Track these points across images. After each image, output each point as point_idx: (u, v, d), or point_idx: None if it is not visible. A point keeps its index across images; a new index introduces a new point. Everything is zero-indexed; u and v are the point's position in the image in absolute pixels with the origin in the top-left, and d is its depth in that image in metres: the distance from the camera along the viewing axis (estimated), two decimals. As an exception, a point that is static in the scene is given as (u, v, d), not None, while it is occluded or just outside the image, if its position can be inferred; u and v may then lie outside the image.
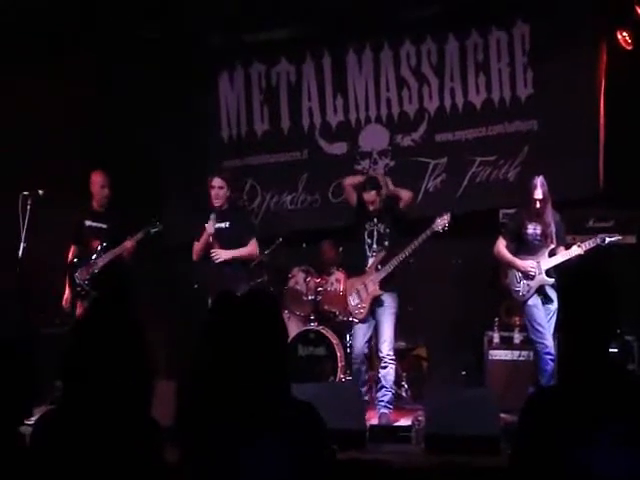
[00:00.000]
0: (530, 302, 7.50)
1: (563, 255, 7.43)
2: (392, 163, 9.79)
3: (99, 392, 2.68)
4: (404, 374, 8.89)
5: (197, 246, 8.04)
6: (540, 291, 7.48)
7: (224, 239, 7.92)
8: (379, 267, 7.66)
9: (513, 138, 9.31)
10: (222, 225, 7.95)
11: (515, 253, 7.63)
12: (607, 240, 7.38)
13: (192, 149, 10.32)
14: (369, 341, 7.91)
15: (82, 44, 9.35)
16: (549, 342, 7.36)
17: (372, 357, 8.48)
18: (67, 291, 8.20)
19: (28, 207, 7.88)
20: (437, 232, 7.56)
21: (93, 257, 8.12)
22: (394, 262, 7.60)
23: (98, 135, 9.68)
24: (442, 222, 7.55)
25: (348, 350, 8.70)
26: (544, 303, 7.48)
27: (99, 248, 8.10)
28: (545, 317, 7.44)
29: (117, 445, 2.64)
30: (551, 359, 7.32)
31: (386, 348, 7.57)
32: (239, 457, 2.75)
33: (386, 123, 9.82)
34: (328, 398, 6.09)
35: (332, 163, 9.93)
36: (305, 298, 9.11)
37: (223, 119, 10.40)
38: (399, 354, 8.95)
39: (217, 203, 7.95)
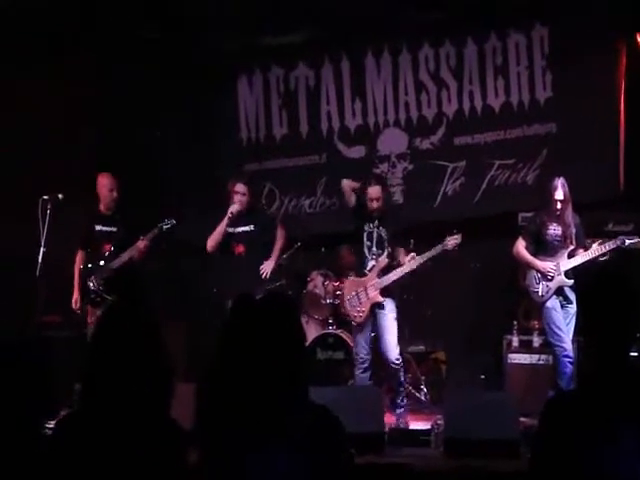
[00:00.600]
0: (549, 304, 7.46)
1: (582, 256, 7.41)
2: (411, 167, 9.80)
3: (118, 395, 2.69)
4: (423, 378, 8.87)
5: (214, 238, 8.02)
6: (559, 292, 7.45)
7: (250, 241, 7.94)
8: (381, 274, 7.57)
9: (532, 141, 9.29)
10: (246, 229, 7.96)
11: (534, 254, 7.60)
12: (627, 242, 7.34)
13: (208, 152, 10.34)
14: (371, 346, 7.76)
15: (83, 44, 9.33)
16: (568, 345, 7.32)
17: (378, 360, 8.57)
18: (76, 294, 8.15)
19: (48, 211, 7.90)
20: (447, 250, 7.49)
21: (102, 262, 8.10)
22: (397, 273, 7.52)
23: (100, 136, 9.69)
24: (453, 241, 7.44)
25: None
26: (563, 305, 7.45)
27: (109, 252, 8.09)
28: (564, 320, 7.40)
29: (137, 448, 2.65)
30: (570, 362, 7.28)
31: (393, 355, 7.48)
32: (252, 461, 2.75)
33: (405, 127, 9.82)
34: (347, 402, 6.09)
35: (350, 167, 9.92)
36: (323, 302, 9.11)
37: (242, 123, 10.44)
38: (418, 357, 8.96)
39: (237, 208, 7.93)
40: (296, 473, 2.74)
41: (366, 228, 7.62)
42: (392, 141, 9.86)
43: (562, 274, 7.42)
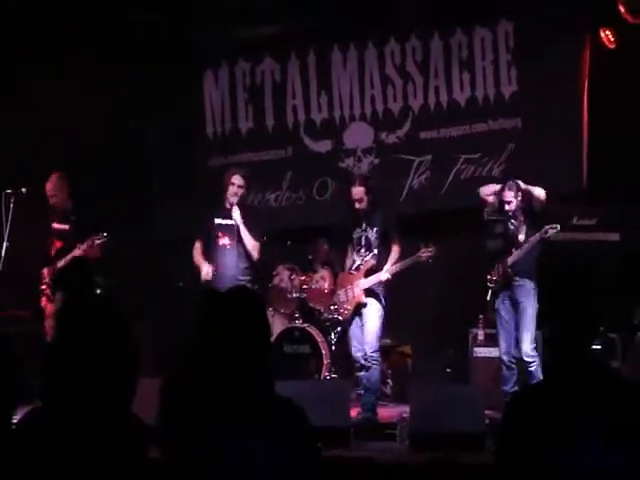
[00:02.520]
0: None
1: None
2: (377, 161, 9.81)
3: (79, 388, 2.67)
4: (389, 371, 8.91)
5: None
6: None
7: (237, 235, 7.80)
8: (368, 275, 7.60)
9: (497, 135, 9.34)
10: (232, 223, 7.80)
11: None
12: (550, 232, 7.36)
13: (178, 146, 10.32)
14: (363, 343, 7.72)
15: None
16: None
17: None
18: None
19: (11, 205, 7.85)
20: (420, 262, 7.56)
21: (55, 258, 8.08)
22: (376, 278, 7.55)
23: (66, 129, 9.61)
24: (427, 254, 7.52)
25: (333, 348, 8.72)
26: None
27: (59, 250, 8.05)
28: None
29: (98, 442, 2.63)
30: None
31: (369, 349, 7.52)
32: (222, 452, 2.75)
33: (371, 121, 9.83)
34: (312, 396, 6.09)
35: (316, 161, 9.94)
36: (290, 296, 9.11)
37: (208, 117, 10.40)
38: (384, 351, 8.96)
39: (234, 200, 7.75)
40: (270, 461, 2.74)
41: (355, 233, 7.66)
42: (358, 135, 9.87)
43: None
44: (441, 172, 9.51)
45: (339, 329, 8.92)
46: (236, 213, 7.70)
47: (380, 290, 7.66)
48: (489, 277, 7.55)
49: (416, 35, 9.60)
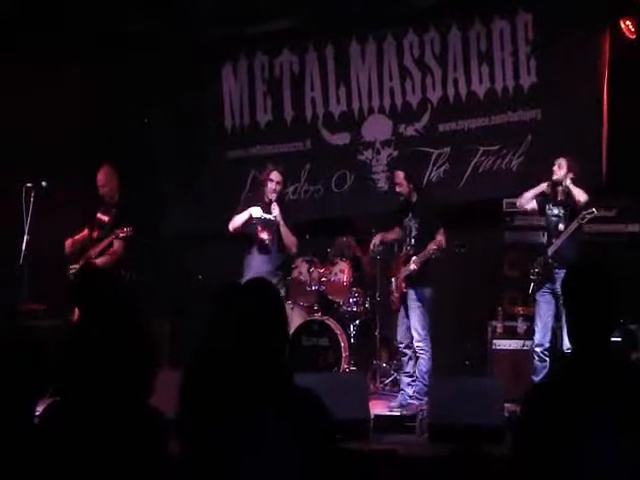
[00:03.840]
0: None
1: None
2: (395, 153, 9.79)
3: (100, 382, 2.69)
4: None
5: (237, 220, 7.97)
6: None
7: (275, 230, 7.96)
8: (406, 265, 7.77)
9: (516, 127, 9.29)
10: (271, 217, 7.91)
11: None
12: (586, 217, 7.39)
13: (194, 140, 10.34)
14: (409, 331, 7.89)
15: (74, 30, 9.30)
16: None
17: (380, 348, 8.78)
18: None
19: (31, 199, 7.90)
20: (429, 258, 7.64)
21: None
22: (406, 269, 7.73)
23: (86, 124, 9.65)
24: (433, 247, 7.56)
25: (352, 340, 8.74)
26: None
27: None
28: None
29: (117, 434, 2.65)
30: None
31: (414, 339, 7.74)
32: (242, 444, 2.76)
33: (389, 113, 9.81)
34: (331, 388, 6.08)
35: (335, 153, 9.92)
36: (309, 288, 9.10)
37: (227, 110, 10.40)
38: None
39: (274, 197, 7.95)
40: (291, 451, 2.75)
41: (404, 222, 7.94)
42: (376, 127, 9.85)
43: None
44: (460, 164, 9.48)
45: (358, 321, 8.94)
46: (276, 210, 7.88)
47: (419, 280, 7.76)
48: (530, 270, 7.58)
49: (434, 27, 9.56)
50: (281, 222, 7.90)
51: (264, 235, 7.91)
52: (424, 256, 7.59)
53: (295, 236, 8.10)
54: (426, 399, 7.53)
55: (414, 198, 7.89)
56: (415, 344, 7.75)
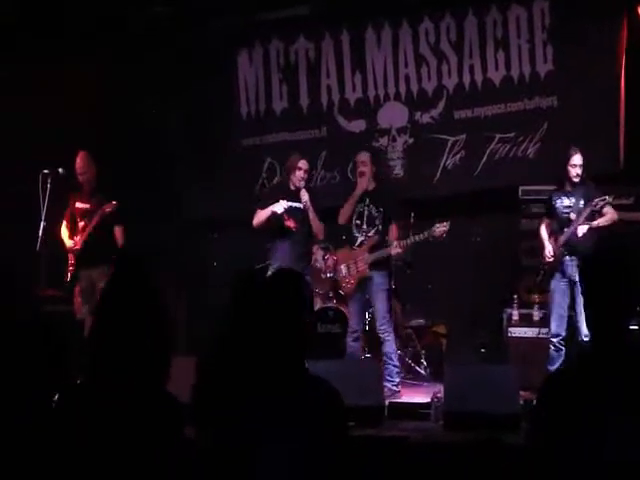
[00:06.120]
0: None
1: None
2: (411, 140, 9.77)
3: (116, 367, 2.70)
4: (423, 351, 8.91)
5: (262, 215, 7.98)
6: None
7: (302, 219, 7.97)
8: (371, 250, 7.74)
9: (532, 115, 9.25)
10: (299, 205, 7.94)
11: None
12: (599, 204, 7.36)
13: (213, 127, 10.34)
14: (364, 318, 8.05)
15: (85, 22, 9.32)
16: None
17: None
18: None
19: (48, 185, 7.93)
20: (434, 237, 7.58)
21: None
22: (386, 252, 7.70)
23: (101, 112, 9.67)
24: (442, 229, 7.54)
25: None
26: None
27: None
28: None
29: (134, 420, 2.66)
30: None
31: (379, 323, 7.72)
32: (256, 430, 2.77)
33: (405, 100, 9.78)
34: (345, 375, 6.10)
35: (351, 140, 9.89)
36: (324, 276, 9.09)
37: (242, 97, 10.39)
38: (418, 331, 8.97)
39: (302, 185, 7.98)
40: (304, 438, 2.76)
41: (356, 208, 7.83)
42: (392, 115, 9.83)
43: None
44: (476, 152, 9.45)
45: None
46: (306, 196, 7.90)
47: (388, 266, 7.79)
48: (542, 258, 7.57)
49: (450, 14, 9.53)
50: (310, 208, 7.91)
51: (290, 223, 7.94)
52: (415, 240, 7.58)
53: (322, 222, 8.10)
54: (398, 379, 7.68)
55: (372, 185, 7.86)
56: (379, 327, 7.71)
